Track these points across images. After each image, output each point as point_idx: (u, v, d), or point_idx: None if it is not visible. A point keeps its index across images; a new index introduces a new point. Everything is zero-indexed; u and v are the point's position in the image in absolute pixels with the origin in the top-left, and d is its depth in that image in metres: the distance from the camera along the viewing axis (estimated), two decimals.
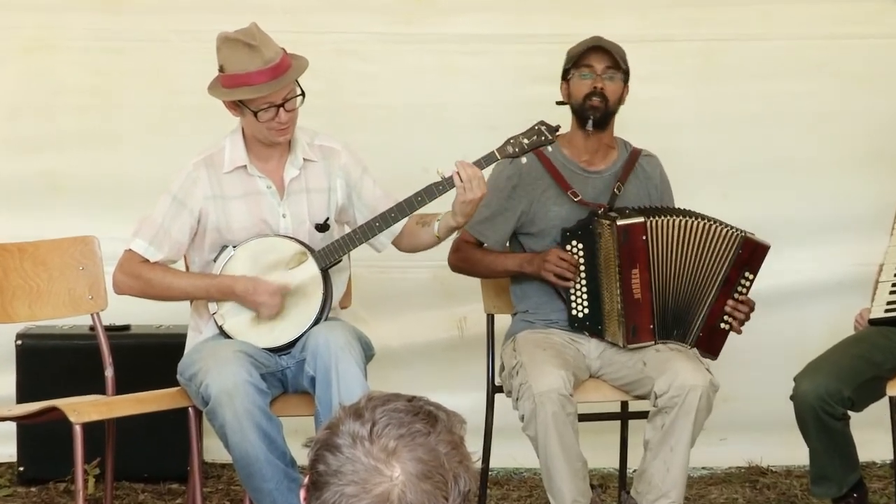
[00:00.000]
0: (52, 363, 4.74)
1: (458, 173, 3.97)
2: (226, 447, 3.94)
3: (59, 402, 4.03)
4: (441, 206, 4.09)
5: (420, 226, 4.15)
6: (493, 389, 4.40)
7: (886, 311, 4.18)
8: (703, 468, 5.01)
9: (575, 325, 4.25)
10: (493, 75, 5.01)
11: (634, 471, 4.24)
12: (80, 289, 4.36)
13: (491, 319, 4.50)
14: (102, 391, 4.29)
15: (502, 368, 4.29)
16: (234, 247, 4.07)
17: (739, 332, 4.23)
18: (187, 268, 4.22)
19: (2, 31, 5.03)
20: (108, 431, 4.29)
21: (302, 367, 4.00)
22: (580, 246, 4.22)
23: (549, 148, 4.21)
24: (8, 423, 4.48)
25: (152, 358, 4.54)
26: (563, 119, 4.23)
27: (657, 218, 4.16)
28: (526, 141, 4.08)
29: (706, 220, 4.18)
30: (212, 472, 4.94)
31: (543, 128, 4.10)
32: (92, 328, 4.38)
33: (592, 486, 4.19)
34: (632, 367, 4.16)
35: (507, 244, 4.38)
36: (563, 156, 4.33)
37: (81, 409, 3.98)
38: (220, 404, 3.85)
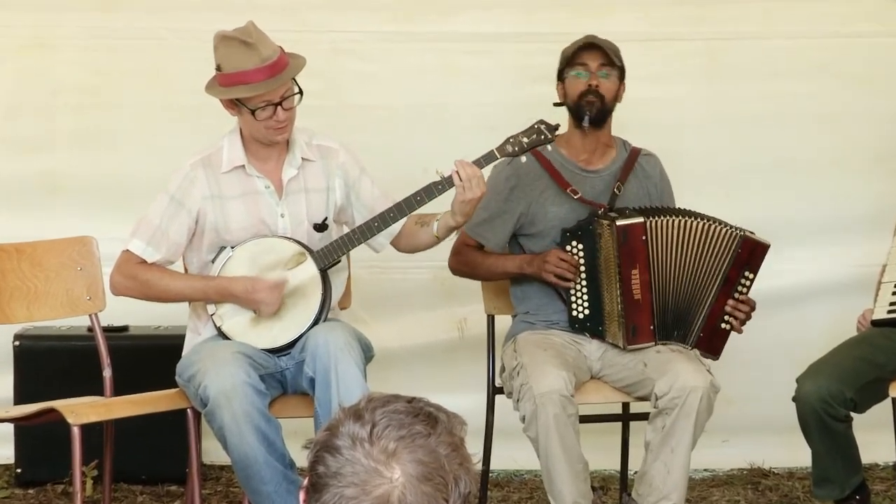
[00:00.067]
0: (49, 364, 4.74)
1: (457, 172, 3.96)
2: (224, 449, 3.93)
3: (56, 404, 4.02)
4: (440, 205, 4.08)
5: (419, 226, 4.15)
6: (493, 391, 4.40)
7: (889, 311, 4.17)
8: (704, 470, 5.01)
9: (575, 325, 4.25)
10: (494, 75, 5.01)
11: (636, 472, 4.23)
12: (78, 289, 4.36)
13: (491, 320, 4.49)
14: (100, 392, 4.29)
15: (503, 369, 4.28)
16: (233, 248, 4.06)
17: (740, 331, 4.22)
18: (185, 269, 4.21)
19: None
20: (107, 433, 4.28)
21: (301, 368, 3.99)
22: (580, 246, 4.21)
23: (549, 147, 4.20)
24: (5, 424, 4.47)
25: (151, 359, 4.54)
26: (562, 121, 4.22)
27: (657, 218, 4.15)
28: (525, 140, 4.07)
29: (706, 220, 4.18)
30: (210, 474, 4.93)
31: (543, 126, 4.09)
32: (90, 329, 4.37)
33: (593, 488, 4.19)
34: (633, 369, 4.16)
35: (507, 246, 4.37)
36: (562, 155, 4.33)
37: (79, 411, 3.97)
38: (219, 406, 3.84)
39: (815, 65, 5.02)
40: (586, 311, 4.23)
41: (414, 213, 4.08)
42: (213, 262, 4.07)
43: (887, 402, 4.16)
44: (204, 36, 4.04)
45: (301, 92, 4.00)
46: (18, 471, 4.83)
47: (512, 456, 4.76)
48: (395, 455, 1.73)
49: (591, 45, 4.26)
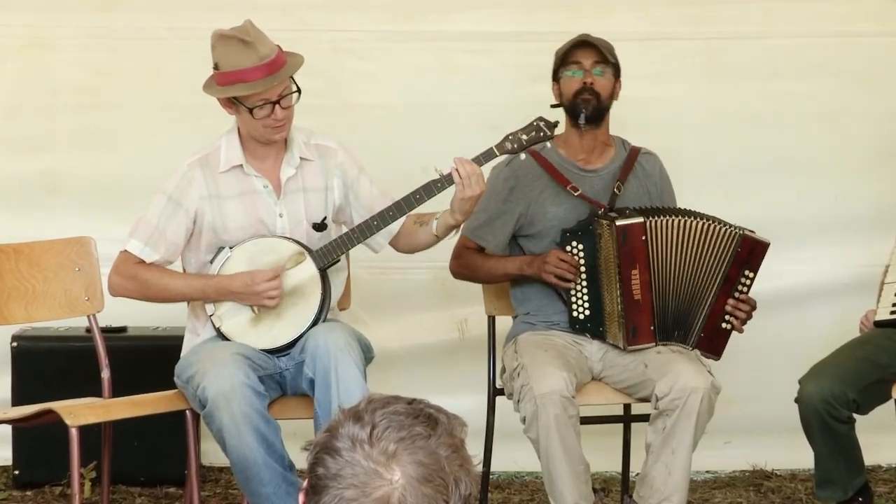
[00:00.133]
0: (47, 365, 4.73)
1: (456, 170, 3.96)
2: (223, 450, 3.92)
3: (55, 405, 4.00)
4: (439, 204, 4.07)
5: (418, 225, 4.14)
6: (494, 392, 4.39)
7: (892, 312, 4.16)
8: (706, 472, 5.00)
9: (576, 326, 4.24)
10: (493, 74, 5.01)
11: (637, 474, 4.22)
12: (77, 290, 4.35)
13: (492, 321, 4.49)
14: (99, 394, 4.28)
15: (503, 370, 4.28)
16: (231, 248, 4.05)
17: (741, 331, 4.21)
18: (184, 270, 4.19)
19: None
20: (105, 434, 4.27)
21: (301, 368, 3.98)
22: (580, 247, 4.21)
23: (549, 144, 4.19)
24: (3, 425, 4.46)
25: (149, 360, 4.53)
26: (561, 122, 4.21)
27: (657, 218, 4.15)
28: (525, 137, 4.07)
29: (705, 220, 4.17)
30: (209, 476, 4.92)
31: (542, 124, 4.09)
32: (88, 330, 4.36)
33: (595, 490, 4.19)
34: (633, 370, 4.15)
35: (507, 248, 4.37)
36: (560, 155, 4.33)
37: (77, 412, 3.96)
38: (218, 407, 3.83)
39: (815, 64, 5.02)
40: (587, 312, 4.22)
41: (413, 212, 4.08)
42: (211, 262, 4.06)
43: (890, 404, 4.15)
44: (204, 35, 4.03)
45: (299, 90, 3.99)
46: (16, 472, 4.83)
47: (513, 457, 4.76)
48: (395, 457, 1.72)
49: (584, 43, 4.26)
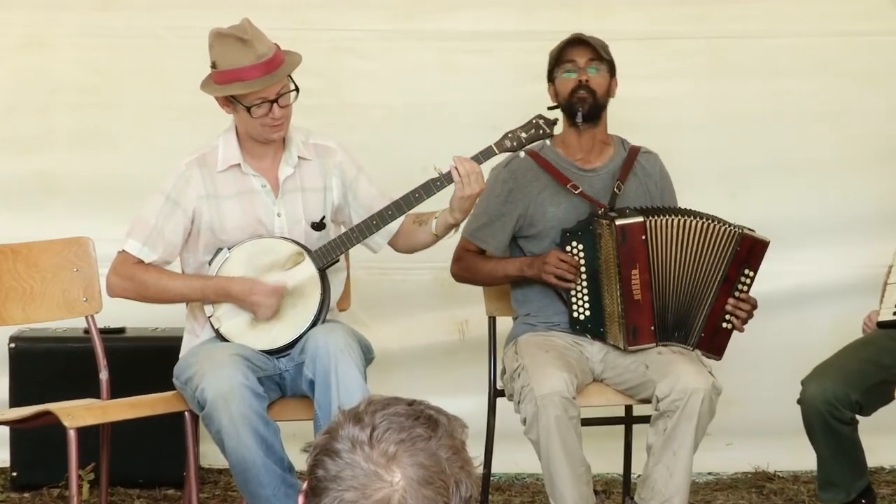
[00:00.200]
0: (45, 366, 4.72)
1: (455, 168, 3.96)
2: (222, 452, 3.91)
3: (52, 406, 4.00)
4: (438, 203, 4.06)
5: (417, 225, 4.14)
6: (494, 393, 4.39)
7: (895, 313, 4.13)
8: (708, 474, 4.99)
9: (576, 327, 4.24)
10: (494, 73, 5.00)
11: (638, 476, 4.21)
12: (75, 291, 4.34)
13: (492, 322, 4.48)
14: (97, 395, 4.27)
15: (504, 372, 4.27)
16: (229, 249, 4.04)
17: (742, 330, 4.21)
18: (183, 270, 4.18)
19: None
20: (103, 436, 4.26)
21: (301, 370, 3.97)
22: (580, 247, 4.20)
23: (548, 141, 4.20)
24: (1, 427, 4.45)
25: (148, 361, 4.52)
26: (559, 123, 4.22)
27: (656, 217, 4.14)
28: (524, 135, 4.07)
29: (704, 219, 4.16)
30: (208, 478, 4.91)
31: (541, 121, 4.09)
32: (86, 331, 4.36)
33: (596, 492, 4.20)
34: (634, 371, 4.14)
35: (508, 249, 4.36)
36: (558, 155, 4.32)
37: (76, 414, 3.95)
38: (216, 409, 3.82)
39: (818, 63, 5.01)
40: (587, 313, 4.22)
41: (412, 211, 4.07)
42: (209, 263, 4.05)
43: (893, 405, 4.13)
44: (203, 34, 4.02)
45: (297, 89, 3.99)
46: (14, 474, 4.81)
47: (513, 459, 4.74)
48: (396, 458, 1.72)
49: (577, 42, 4.26)
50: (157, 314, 4.51)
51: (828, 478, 4.11)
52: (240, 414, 3.81)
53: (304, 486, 1.77)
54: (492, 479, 4.68)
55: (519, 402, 4.04)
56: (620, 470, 4.67)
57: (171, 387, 4.08)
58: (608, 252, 4.14)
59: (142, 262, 4.03)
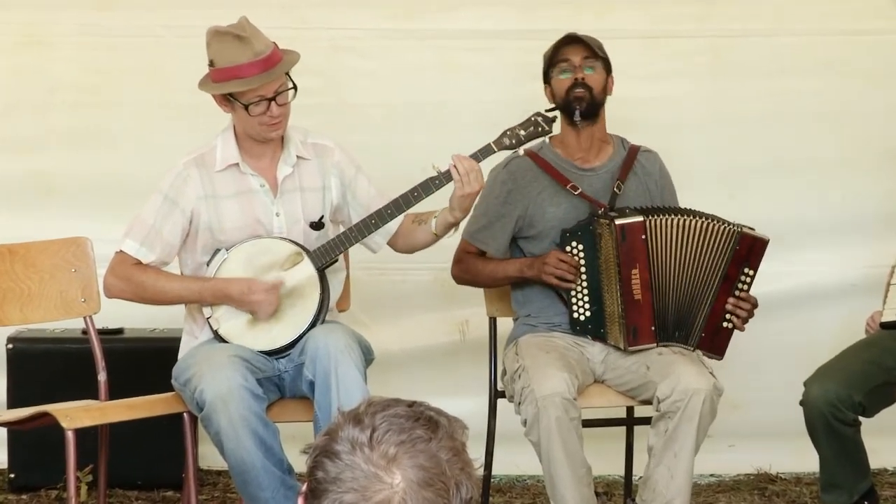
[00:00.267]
0: (43, 367, 4.71)
1: (454, 167, 3.95)
2: (221, 454, 3.91)
3: (50, 408, 3.99)
4: (437, 202, 4.05)
5: (416, 224, 4.14)
6: (495, 394, 4.38)
7: None
8: (710, 475, 4.98)
9: (577, 328, 4.23)
10: (494, 72, 4.99)
11: (640, 478, 4.20)
12: (73, 291, 4.33)
13: (493, 323, 4.47)
14: (95, 396, 4.26)
15: (504, 373, 4.27)
16: (228, 250, 4.03)
17: (742, 329, 4.20)
18: (181, 271, 4.17)
19: None
20: (101, 437, 4.26)
21: (300, 371, 3.97)
22: (580, 247, 4.20)
23: (547, 140, 4.18)
24: None
25: (146, 362, 4.52)
26: (557, 123, 4.21)
27: (656, 217, 4.14)
28: (523, 132, 4.07)
29: (704, 218, 4.16)
30: (207, 480, 4.91)
31: (540, 118, 4.10)
32: (84, 331, 4.35)
33: (597, 494, 4.19)
34: (635, 372, 4.14)
35: (508, 251, 4.36)
36: (557, 155, 4.32)
37: (74, 415, 3.94)
38: (215, 410, 3.81)
39: (822, 62, 5.01)
40: (587, 314, 4.21)
41: (411, 211, 4.07)
42: (208, 264, 4.04)
43: None
44: (202, 33, 4.02)
45: (295, 87, 3.98)
46: (12, 476, 4.80)
47: (514, 461, 4.73)
48: (396, 460, 1.72)
49: (572, 40, 4.25)
50: (156, 315, 4.50)
51: (830, 479, 4.10)
52: (239, 415, 3.80)
53: (304, 487, 1.76)
54: (492, 480, 4.67)
55: (519, 404, 4.03)
56: (622, 471, 4.66)
57: (169, 388, 4.08)
58: (608, 252, 4.14)
59: (140, 262, 4.02)
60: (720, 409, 4.02)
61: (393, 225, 4.11)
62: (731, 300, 4.15)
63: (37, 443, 4.61)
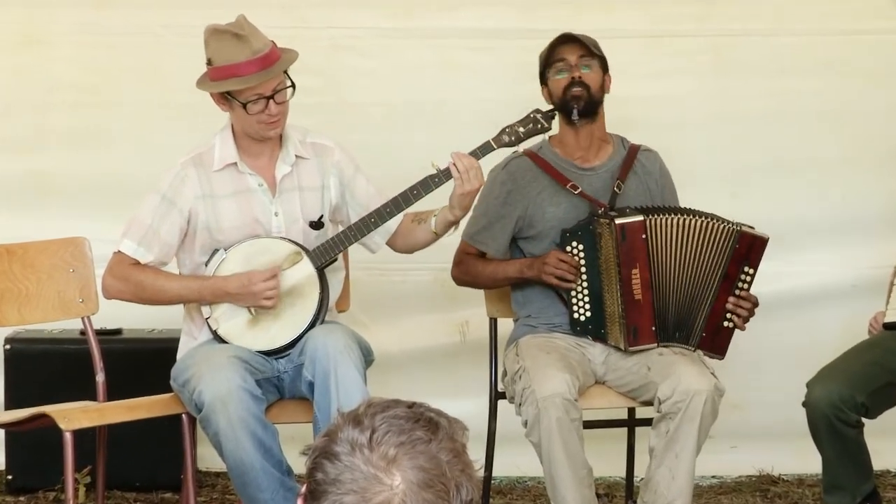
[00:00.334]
0: (41, 368, 4.69)
1: (454, 164, 3.95)
2: (220, 455, 3.91)
3: (48, 409, 3.99)
4: (436, 201, 4.05)
5: (416, 223, 4.14)
6: (495, 395, 4.37)
7: None
8: (712, 477, 4.97)
9: (577, 328, 4.23)
10: (494, 71, 4.98)
11: (641, 479, 4.19)
12: (71, 291, 4.33)
13: (494, 323, 4.46)
14: (93, 397, 4.26)
15: (505, 374, 4.26)
16: (226, 250, 4.02)
17: (743, 329, 4.19)
18: (179, 271, 4.16)
19: None
20: (100, 439, 4.26)
21: (300, 371, 3.96)
22: (580, 247, 4.19)
23: (546, 138, 4.19)
24: None
25: (145, 363, 4.51)
26: (555, 124, 4.21)
27: (656, 216, 4.14)
28: (522, 129, 4.07)
29: (703, 218, 4.15)
30: (206, 481, 4.89)
31: (539, 115, 4.10)
32: (82, 332, 4.34)
33: (598, 495, 4.19)
34: (636, 373, 4.13)
35: (508, 252, 4.35)
36: (556, 155, 4.31)
37: (72, 416, 3.94)
38: (214, 411, 3.80)
39: (823, 62, 5.00)
40: (588, 314, 4.20)
41: (410, 210, 4.06)
42: (206, 264, 4.04)
43: None
44: (201, 33, 4.01)
45: (293, 86, 3.97)
46: (9, 477, 4.79)
47: (515, 462, 4.71)
48: (396, 461, 1.71)
49: (567, 40, 4.25)
50: (154, 315, 4.49)
51: (833, 481, 4.09)
52: (238, 417, 3.79)
53: (303, 489, 1.76)
54: (493, 482, 4.66)
55: (520, 405, 4.02)
56: (623, 473, 4.65)
57: (168, 389, 4.07)
58: (608, 252, 4.13)
59: (138, 262, 4.01)
60: (722, 410, 4.02)
61: (392, 224, 4.10)
62: (731, 299, 4.15)
63: (35, 444, 4.59)
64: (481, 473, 4.22)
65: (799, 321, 4.93)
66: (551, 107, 4.22)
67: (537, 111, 4.10)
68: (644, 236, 4.09)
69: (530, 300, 4.30)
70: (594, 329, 4.20)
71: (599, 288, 4.17)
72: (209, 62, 3.95)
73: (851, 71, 4.98)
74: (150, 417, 4.07)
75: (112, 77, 4.99)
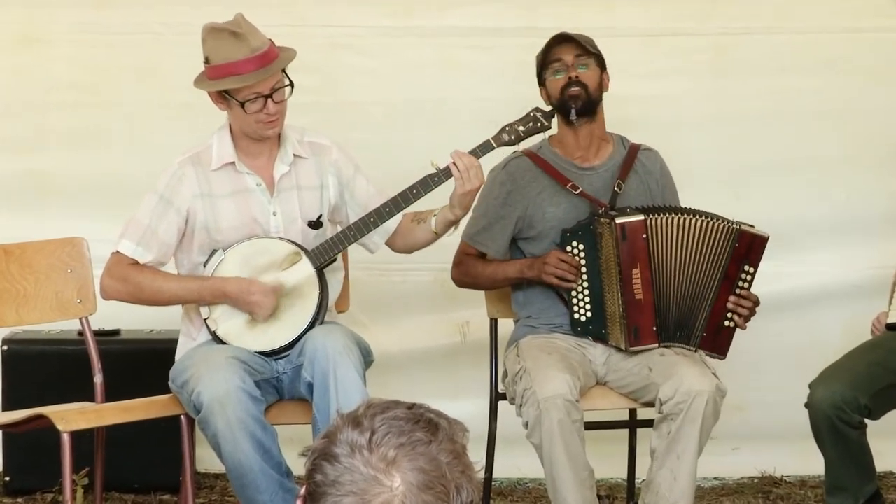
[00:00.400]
0: (39, 369, 4.68)
1: (454, 164, 3.95)
2: (219, 457, 3.90)
3: (46, 410, 3.98)
4: (435, 200, 4.04)
5: (416, 223, 4.14)
6: (496, 396, 4.36)
7: None
8: (714, 478, 4.96)
9: (578, 329, 4.22)
10: (494, 70, 4.97)
11: (642, 481, 4.19)
12: (69, 292, 4.32)
13: (494, 324, 4.46)
14: (91, 398, 4.25)
15: (505, 374, 4.25)
16: (225, 250, 4.02)
17: (744, 328, 4.18)
18: (177, 271, 4.16)
19: None
20: (97, 440, 4.25)
21: (299, 372, 3.96)
22: (581, 247, 4.19)
23: (546, 138, 4.18)
24: None
25: (143, 364, 4.51)
26: (554, 125, 4.21)
27: (657, 216, 4.13)
28: (521, 128, 4.08)
29: (703, 217, 4.15)
30: (205, 483, 4.89)
31: (539, 114, 4.10)
32: (80, 333, 4.33)
33: (599, 497, 4.19)
34: (638, 374, 4.12)
35: (508, 252, 4.35)
36: (556, 154, 4.31)
37: (69, 417, 3.93)
38: (213, 412, 3.80)
39: (823, 61, 4.99)
40: (588, 314, 4.20)
41: (409, 210, 4.06)
42: (205, 265, 4.03)
43: None
44: (199, 31, 3.99)
45: (292, 84, 3.97)
46: (7, 479, 4.78)
47: (515, 464, 4.71)
48: (395, 463, 1.71)
49: (562, 40, 4.25)
50: (153, 316, 4.48)
51: (836, 482, 4.08)
52: (236, 418, 3.79)
53: (303, 491, 1.76)
54: (493, 483, 4.65)
55: (521, 406, 4.01)
56: (624, 475, 4.64)
57: (166, 390, 4.06)
58: (609, 251, 4.13)
59: (136, 263, 4.00)
60: (723, 412, 4.01)
61: (391, 224, 4.09)
62: (732, 298, 4.14)
63: (32, 446, 4.59)
64: (482, 475, 4.23)
65: (800, 322, 4.94)
66: (550, 109, 4.22)
67: (537, 110, 4.09)
68: (645, 236, 4.09)
69: (531, 301, 4.29)
70: (595, 329, 4.19)
71: (600, 288, 4.16)
72: (207, 61, 3.94)
73: (852, 69, 4.97)
74: (148, 419, 4.06)
75: (111, 76, 4.99)
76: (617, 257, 4.10)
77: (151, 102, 4.97)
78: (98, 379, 4.22)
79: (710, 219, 4.12)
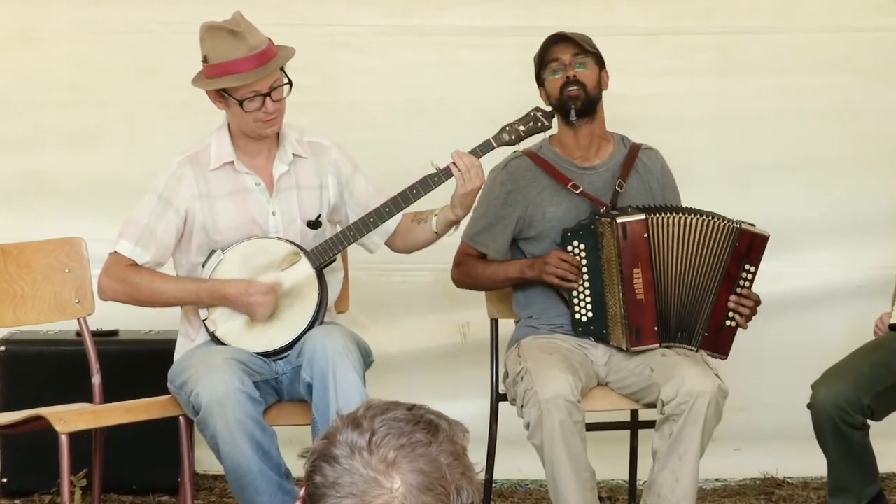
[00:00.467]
0: (36, 370, 4.68)
1: (455, 163, 3.95)
2: (218, 458, 3.90)
3: (44, 411, 3.98)
4: (435, 200, 4.03)
5: (416, 223, 4.14)
6: (496, 397, 4.36)
7: None
8: (716, 480, 4.96)
9: (579, 329, 4.21)
10: (494, 69, 4.96)
11: (644, 482, 4.19)
12: (67, 292, 4.32)
13: (495, 325, 4.45)
14: (89, 399, 4.25)
15: (506, 375, 4.25)
16: (223, 250, 4.01)
17: (745, 327, 4.18)
18: (176, 272, 4.15)
19: None
20: (96, 441, 4.25)
21: (298, 373, 3.95)
22: (581, 246, 4.19)
23: (546, 138, 4.18)
24: None
25: (141, 365, 4.51)
26: (554, 125, 4.20)
27: (658, 215, 4.13)
28: (522, 128, 4.08)
29: (704, 216, 4.14)
30: (203, 484, 4.88)
31: (539, 114, 4.10)
32: (78, 333, 4.32)
33: (601, 499, 4.21)
34: (639, 375, 4.12)
35: (509, 253, 4.35)
36: (556, 154, 4.31)
37: (67, 418, 3.93)
38: (211, 413, 3.79)
39: (825, 60, 4.99)
40: (589, 314, 4.19)
41: (409, 210, 4.06)
42: (203, 265, 4.02)
43: None
44: (197, 30, 3.99)
45: (290, 83, 3.96)
46: (4, 481, 4.77)
47: (516, 465, 4.70)
48: (395, 464, 1.71)
49: (560, 39, 4.24)
50: (151, 317, 4.47)
51: (838, 483, 4.07)
52: (235, 419, 3.78)
53: (302, 492, 1.75)
54: (494, 485, 4.65)
55: (522, 407, 4.00)
56: (626, 476, 4.63)
57: (165, 391, 4.06)
58: (610, 251, 4.12)
59: (135, 263, 4.00)
60: (725, 412, 4.00)
61: (391, 224, 4.09)
62: (732, 298, 4.14)
63: (30, 447, 4.58)
64: (482, 476, 4.22)
65: (802, 322, 4.93)
66: (550, 110, 4.21)
67: (537, 109, 4.09)
68: (646, 235, 4.08)
69: (532, 301, 4.29)
70: (596, 329, 4.18)
71: (601, 288, 4.16)
72: (205, 59, 3.93)
73: (853, 68, 4.97)
74: (146, 420, 4.05)
75: (109, 75, 4.99)
76: (618, 257, 4.09)
77: (150, 102, 4.97)
78: (96, 380, 4.22)
79: (710, 218, 4.12)
